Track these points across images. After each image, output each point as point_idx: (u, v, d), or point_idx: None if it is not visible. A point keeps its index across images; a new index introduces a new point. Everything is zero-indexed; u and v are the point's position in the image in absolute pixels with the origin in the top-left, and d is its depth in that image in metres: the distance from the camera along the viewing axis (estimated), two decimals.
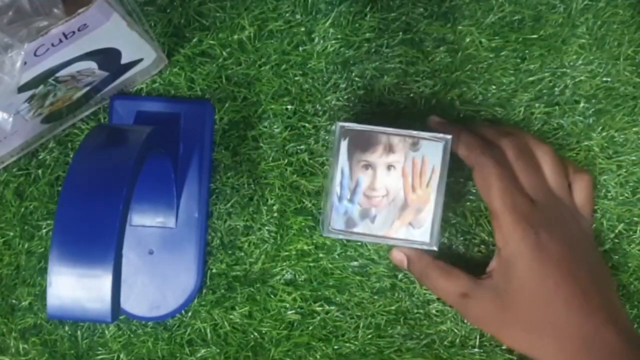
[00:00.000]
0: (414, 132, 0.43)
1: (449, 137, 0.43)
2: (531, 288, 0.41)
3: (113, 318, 0.33)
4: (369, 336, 0.49)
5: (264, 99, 0.50)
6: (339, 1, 0.50)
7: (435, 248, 0.42)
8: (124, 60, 0.44)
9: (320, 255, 0.49)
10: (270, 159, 0.50)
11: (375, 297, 0.49)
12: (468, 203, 0.49)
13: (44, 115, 0.45)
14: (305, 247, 0.49)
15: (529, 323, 0.41)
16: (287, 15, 0.50)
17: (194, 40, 0.50)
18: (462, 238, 0.49)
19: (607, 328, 0.39)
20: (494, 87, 0.50)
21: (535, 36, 0.50)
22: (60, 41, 0.35)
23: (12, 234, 0.49)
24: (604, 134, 0.50)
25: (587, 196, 0.45)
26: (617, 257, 0.49)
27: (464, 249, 0.49)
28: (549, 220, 0.42)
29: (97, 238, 0.33)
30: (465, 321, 0.49)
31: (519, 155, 0.43)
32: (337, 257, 0.49)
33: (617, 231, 0.49)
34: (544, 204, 0.42)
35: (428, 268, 0.45)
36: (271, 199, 0.49)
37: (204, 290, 0.49)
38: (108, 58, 0.42)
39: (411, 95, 0.50)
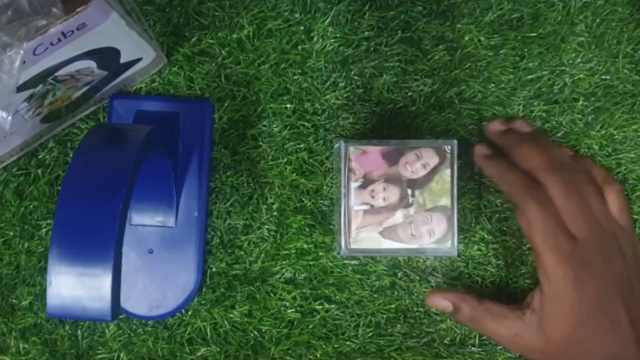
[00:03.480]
0: (420, 142, 0.44)
1: (454, 142, 0.44)
2: (574, 325, 0.42)
3: (113, 317, 0.33)
4: (369, 335, 0.49)
5: (263, 98, 0.50)
6: (337, 0, 0.50)
7: (455, 254, 0.44)
8: (123, 59, 0.44)
9: (320, 253, 0.49)
10: (270, 157, 0.50)
11: (375, 295, 0.49)
12: (467, 201, 0.49)
13: (43, 114, 0.45)
14: (305, 246, 0.49)
15: (574, 357, 0.43)
16: (286, 14, 0.50)
17: (193, 39, 0.50)
18: (461, 236, 0.49)
19: None
20: (493, 85, 0.50)
21: (534, 34, 0.50)
22: (59, 40, 0.35)
23: (12, 233, 0.49)
24: (603, 132, 0.50)
25: (620, 206, 0.45)
26: None
27: (463, 247, 0.49)
28: (590, 258, 0.42)
29: (96, 237, 0.33)
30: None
31: (565, 194, 0.43)
32: (336, 255, 0.49)
33: None
34: (588, 240, 0.43)
35: (477, 313, 0.46)
36: (271, 197, 0.49)
37: (204, 289, 0.49)
38: (107, 57, 0.42)
39: (410, 93, 0.50)
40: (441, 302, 0.47)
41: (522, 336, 0.44)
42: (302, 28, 0.50)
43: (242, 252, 0.49)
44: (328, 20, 0.50)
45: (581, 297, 0.42)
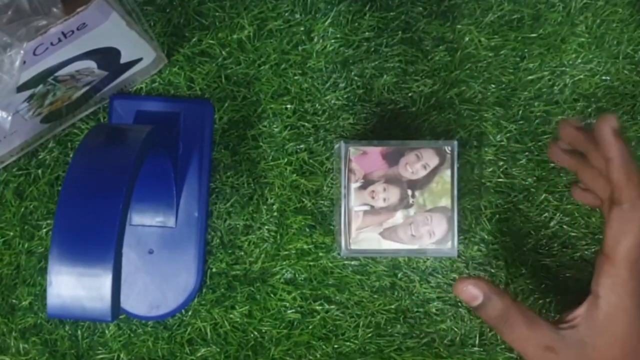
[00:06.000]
0: (420, 143, 0.44)
1: (455, 142, 0.44)
2: (629, 346, 0.38)
3: (113, 317, 0.33)
4: (369, 335, 0.49)
5: (264, 98, 0.50)
6: (338, 0, 0.50)
7: (455, 255, 0.45)
8: (124, 59, 0.44)
9: (320, 254, 0.49)
10: (270, 158, 0.50)
11: (375, 295, 0.49)
12: (467, 201, 0.49)
13: (43, 114, 0.45)
14: (305, 246, 0.49)
15: None
16: (287, 14, 0.50)
17: (194, 39, 0.50)
18: (462, 237, 0.49)
19: None
20: (493, 85, 0.50)
21: (534, 35, 0.50)
22: (60, 40, 0.35)
23: (12, 233, 0.49)
24: None
25: None
26: None
27: (463, 248, 0.49)
28: None
29: (97, 237, 0.33)
30: (465, 321, 0.49)
31: None
32: (336, 256, 0.49)
33: None
34: None
35: (508, 312, 0.39)
36: (271, 198, 0.49)
37: (204, 290, 0.49)
38: (107, 57, 0.42)
39: (410, 94, 0.50)
40: (471, 291, 0.40)
41: (556, 351, 0.38)
42: (302, 29, 0.50)
43: (242, 253, 0.49)
44: (328, 20, 0.50)
45: None
